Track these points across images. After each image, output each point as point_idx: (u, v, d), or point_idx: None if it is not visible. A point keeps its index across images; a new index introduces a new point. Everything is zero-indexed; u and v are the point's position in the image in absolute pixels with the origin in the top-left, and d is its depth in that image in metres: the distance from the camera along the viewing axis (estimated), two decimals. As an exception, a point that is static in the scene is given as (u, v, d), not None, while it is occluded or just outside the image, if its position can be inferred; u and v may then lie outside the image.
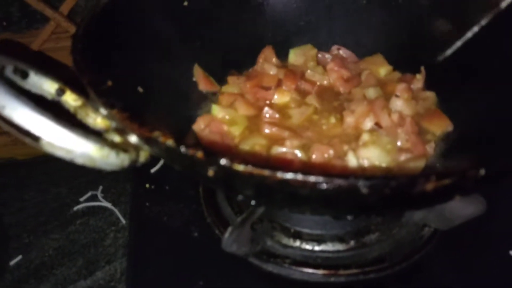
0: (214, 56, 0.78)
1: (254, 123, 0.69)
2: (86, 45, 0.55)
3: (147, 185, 0.75)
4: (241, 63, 0.80)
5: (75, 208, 0.95)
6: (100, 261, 0.85)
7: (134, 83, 0.62)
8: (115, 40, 0.61)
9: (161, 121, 0.63)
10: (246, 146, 0.64)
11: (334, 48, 0.81)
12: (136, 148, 0.43)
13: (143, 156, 0.44)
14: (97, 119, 0.45)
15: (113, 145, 0.39)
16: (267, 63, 0.78)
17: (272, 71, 0.77)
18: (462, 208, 0.59)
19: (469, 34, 0.64)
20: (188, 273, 0.63)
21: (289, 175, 0.36)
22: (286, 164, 0.58)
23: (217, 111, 0.69)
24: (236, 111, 0.70)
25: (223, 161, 0.38)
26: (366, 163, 0.59)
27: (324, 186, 0.36)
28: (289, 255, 0.63)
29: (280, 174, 0.36)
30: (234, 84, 0.76)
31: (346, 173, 0.57)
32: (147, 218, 0.71)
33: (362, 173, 0.58)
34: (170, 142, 0.40)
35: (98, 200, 0.96)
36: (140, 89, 0.62)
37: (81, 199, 0.97)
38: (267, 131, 0.66)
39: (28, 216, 0.96)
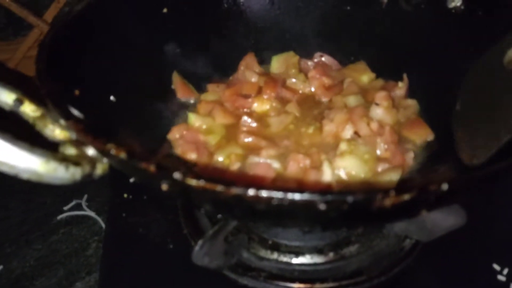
0: (194, 63, 0.77)
1: (231, 132, 0.67)
2: (53, 54, 0.54)
3: (125, 195, 0.74)
4: (222, 70, 0.79)
5: (59, 217, 0.93)
6: (81, 272, 0.83)
7: (106, 92, 0.61)
8: (86, 48, 0.60)
9: (136, 131, 0.62)
10: (221, 156, 0.63)
11: (317, 55, 0.80)
12: (92, 161, 0.41)
13: (100, 169, 0.42)
14: (56, 131, 0.43)
15: (62, 159, 0.38)
16: (248, 71, 0.77)
17: (253, 78, 0.76)
18: (442, 220, 0.58)
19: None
20: (161, 287, 0.62)
21: (241, 190, 0.34)
22: (259, 176, 0.57)
23: (194, 119, 0.68)
24: (213, 119, 0.68)
25: (175, 175, 0.36)
26: (343, 173, 0.58)
27: (277, 201, 0.34)
28: (265, 268, 0.61)
29: (233, 189, 0.35)
30: (213, 92, 0.74)
31: (319, 185, 0.55)
32: (123, 230, 0.69)
33: (337, 185, 0.56)
34: (122, 155, 0.38)
35: (82, 209, 0.95)
36: (112, 98, 0.61)
37: (65, 208, 0.95)
38: (244, 140, 0.65)
39: (11, 225, 0.94)
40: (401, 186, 0.34)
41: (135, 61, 0.68)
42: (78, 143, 0.43)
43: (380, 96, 0.66)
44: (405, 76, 0.72)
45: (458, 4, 0.69)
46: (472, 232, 0.63)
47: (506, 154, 0.38)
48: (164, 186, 0.38)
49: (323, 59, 0.79)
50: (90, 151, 0.42)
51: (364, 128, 0.62)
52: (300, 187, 0.54)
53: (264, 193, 0.34)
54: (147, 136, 0.65)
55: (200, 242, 0.55)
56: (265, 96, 0.71)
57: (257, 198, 0.34)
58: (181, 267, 0.63)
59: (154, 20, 0.74)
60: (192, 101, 0.74)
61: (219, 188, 0.35)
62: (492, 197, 0.69)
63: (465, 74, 0.64)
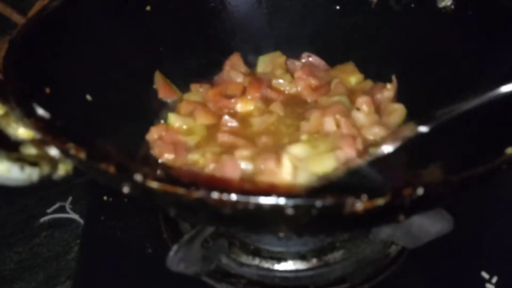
0: (178, 63, 0.75)
1: (212, 133, 0.65)
2: (24, 50, 0.52)
3: (105, 198, 0.72)
4: (207, 70, 0.77)
5: (42, 220, 0.91)
6: (61, 276, 0.81)
7: (81, 91, 0.59)
8: (61, 45, 0.59)
9: (113, 131, 0.60)
10: (195, 155, 0.60)
11: (305, 55, 0.78)
12: (52, 161, 0.39)
13: (62, 170, 0.40)
14: (19, 130, 0.41)
15: (17, 159, 0.36)
16: (234, 71, 0.75)
17: (239, 78, 0.74)
18: (429, 226, 0.56)
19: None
20: (137, 293, 0.60)
21: (203, 193, 0.32)
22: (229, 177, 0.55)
23: (174, 120, 0.66)
24: (194, 120, 0.66)
25: (136, 177, 0.34)
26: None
27: (242, 206, 0.32)
28: (244, 274, 0.59)
29: (195, 193, 0.33)
30: (197, 92, 0.72)
31: (291, 189, 0.53)
32: (101, 233, 0.67)
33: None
34: (82, 155, 0.36)
35: (66, 212, 0.93)
36: (88, 97, 0.59)
37: (49, 211, 0.93)
38: (222, 139, 0.63)
39: (-8, 228, 0.92)
40: (374, 190, 0.32)
41: (115, 59, 0.66)
42: (41, 143, 0.41)
43: (361, 101, 0.64)
44: (393, 77, 0.70)
45: (449, 3, 0.67)
46: (460, 239, 0.61)
47: (484, 160, 0.36)
48: (125, 189, 0.35)
49: (310, 59, 0.77)
50: (53, 151, 0.40)
51: (330, 124, 0.60)
52: (272, 189, 0.52)
53: (227, 197, 0.32)
54: (125, 137, 0.63)
55: (175, 247, 0.53)
56: (249, 97, 0.69)
57: (220, 202, 0.32)
58: (159, 272, 0.61)
59: (137, 18, 0.72)
60: (174, 101, 0.72)
61: (181, 191, 0.33)
62: (481, 203, 0.66)
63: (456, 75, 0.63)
